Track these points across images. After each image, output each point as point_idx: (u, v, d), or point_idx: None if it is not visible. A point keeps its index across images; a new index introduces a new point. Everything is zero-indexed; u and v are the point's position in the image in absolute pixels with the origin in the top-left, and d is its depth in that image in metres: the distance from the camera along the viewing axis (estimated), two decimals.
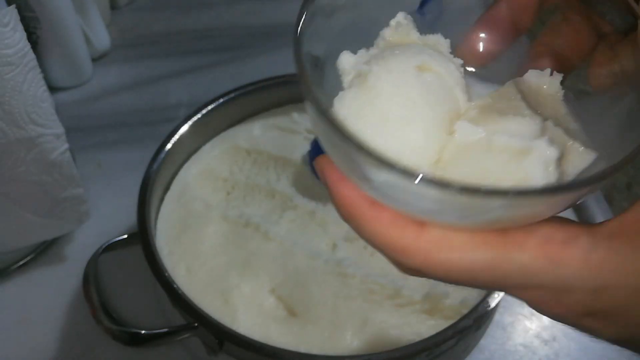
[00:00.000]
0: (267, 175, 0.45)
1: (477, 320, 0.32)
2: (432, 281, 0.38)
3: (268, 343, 0.31)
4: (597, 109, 0.22)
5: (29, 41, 0.37)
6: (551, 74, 0.22)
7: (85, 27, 0.64)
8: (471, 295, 0.36)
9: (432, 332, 0.32)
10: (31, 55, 0.37)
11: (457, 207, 0.17)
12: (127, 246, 0.38)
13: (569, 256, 0.17)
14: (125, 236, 0.38)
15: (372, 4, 0.22)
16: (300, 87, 0.18)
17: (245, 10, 0.79)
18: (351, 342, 0.34)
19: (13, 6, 0.36)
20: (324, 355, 0.32)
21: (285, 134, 0.48)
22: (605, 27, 0.25)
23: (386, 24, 0.22)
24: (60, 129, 0.40)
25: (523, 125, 0.19)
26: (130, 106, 0.63)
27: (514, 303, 0.43)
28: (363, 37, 0.22)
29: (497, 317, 0.42)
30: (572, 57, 0.26)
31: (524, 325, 0.42)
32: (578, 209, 0.50)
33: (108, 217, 0.49)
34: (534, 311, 0.44)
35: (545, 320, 0.42)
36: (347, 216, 0.22)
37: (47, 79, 0.62)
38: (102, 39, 0.68)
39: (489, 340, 0.41)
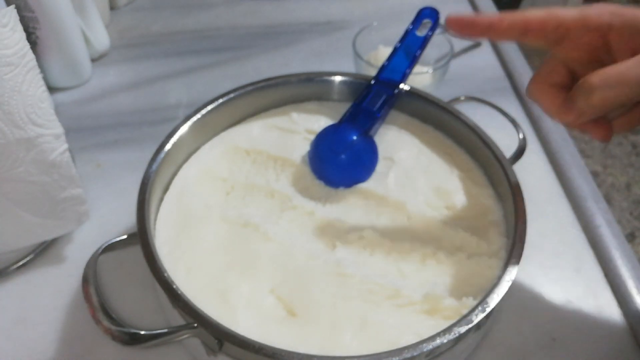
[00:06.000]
0: (266, 176, 0.45)
1: (476, 321, 0.32)
2: (432, 281, 0.38)
3: (267, 343, 0.31)
4: None
5: (28, 41, 0.37)
6: None
7: (85, 28, 0.64)
8: (471, 296, 0.36)
9: (432, 332, 0.32)
10: (30, 55, 0.37)
11: None
12: (127, 246, 0.38)
13: None
14: (125, 236, 0.38)
15: None
16: None
17: (245, 11, 0.79)
18: (350, 343, 0.34)
19: (12, 6, 0.36)
20: (324, 356, 0.31)
21: (284, 134, 0.48)
22: None
23: None
24: (59, 130, 0.40)
25: None
26: (129, 106, 0.63)
27: (514, 303, 0.43)
28: None
29: (497, 317, 0.42)
30: None
31: (524, 326, 0.42)
32: (577, 209, 0.50)
33: (107, 218, 0.49)
34: (534, 312, 0.44)
35: (546, 321, 0.42)
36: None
37: (46, 79, 0.62)
38: (102, 39, 0.68)
39: (489, 341, 0.41)
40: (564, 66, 0.37)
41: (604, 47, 0.35)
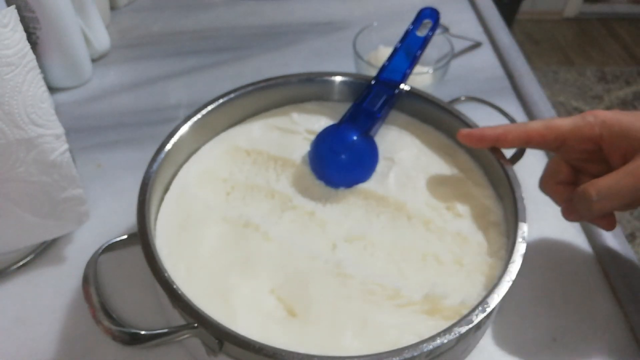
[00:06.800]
0: (266, 176, 0.45)
1: (477, 321, 0.32)
2: (432, 282, 0.38)
3: (268, 343, 0.31)
4: None
5: (29, 41, 0.37)
6: None
7: (85, 28, 0.64)
8: (471, 296, 0.36)
9: (432, 332, 0.32)
10: (31, 55, 0.37)
11: None
12: (127, 246, 0.38)
13: None
14: (125, 236, 0.38)
15: None
16: None
17: (245, 11, 0.79)
18: (351, 343, 0.34)
19: (13, 6, 0.36)
20: (324, 356, 0.31)
21: (284, 134, 0.48)
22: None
23: None
24: (60, 130, 0.40)
25: None
26: (129, 107, 0.63)
27: (514, 304, 0.43)
28: None
29: (497, 317, 0.42)
30: None
31: (524, 326, 0.42)
32: None
33: (108, 218, 0.49)
34: (534, 312, 0.44)
35: (546, 321, 0.42)
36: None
37: (46, 79, 0.62)
38: (102, 39, 0.68)
39: (489, 341, 0.41)
40: (567, 165, 0.41)
41: (599, 151, 0.39)
